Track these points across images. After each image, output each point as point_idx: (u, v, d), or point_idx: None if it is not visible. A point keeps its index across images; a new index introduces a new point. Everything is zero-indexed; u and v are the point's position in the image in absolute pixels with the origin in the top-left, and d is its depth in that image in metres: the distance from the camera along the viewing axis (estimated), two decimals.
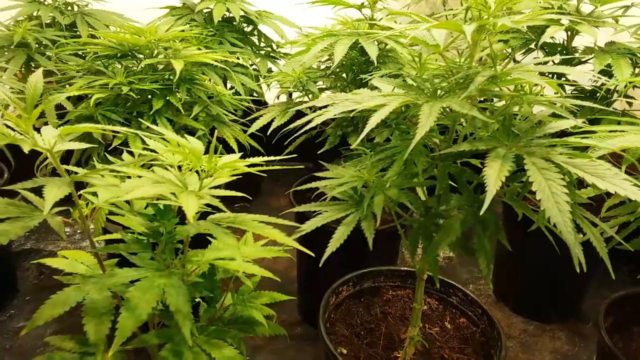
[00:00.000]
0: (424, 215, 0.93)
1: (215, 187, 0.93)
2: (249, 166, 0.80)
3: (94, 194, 0.89)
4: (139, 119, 1.40)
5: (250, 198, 1.07)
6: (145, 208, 0.99)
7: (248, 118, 1.58)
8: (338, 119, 1.39)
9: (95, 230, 1.20)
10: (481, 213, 0.70)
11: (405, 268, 1.37)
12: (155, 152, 0.81)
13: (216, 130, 1.25)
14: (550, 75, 1.76)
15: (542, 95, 1.15)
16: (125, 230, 0.98)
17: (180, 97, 1.41)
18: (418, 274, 1.10)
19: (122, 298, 0.85)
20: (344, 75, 1.48)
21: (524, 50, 1.78)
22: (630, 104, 1.68)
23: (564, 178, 0.77)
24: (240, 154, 0.91)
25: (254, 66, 2.22)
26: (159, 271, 0.85)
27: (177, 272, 0.86)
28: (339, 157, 1.40)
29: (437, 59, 1.13)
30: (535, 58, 1.87)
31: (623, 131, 1.02)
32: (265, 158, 0.91)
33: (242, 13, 2.18)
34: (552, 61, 1.78)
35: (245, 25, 2.27)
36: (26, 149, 0.75)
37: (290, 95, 1.76)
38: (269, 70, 2.16)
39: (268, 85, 1.91)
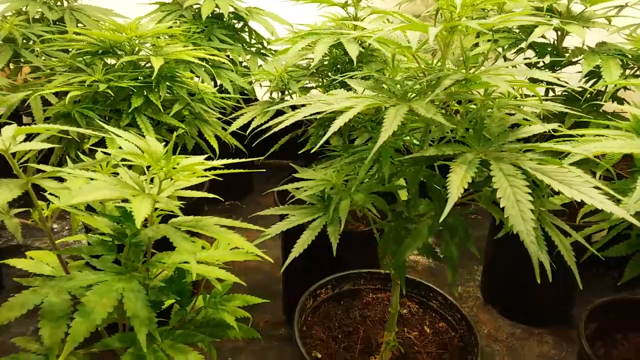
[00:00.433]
0: (395, 219, 0.91)
1: (187, 188, 0.92)
2: (210, 169, 0.78)
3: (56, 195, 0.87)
4: (117, 117, 1.38)
5: (222, 199, 1.05)
6: None
7: (231, 116, 1.56)
8: (320, 119, 1.37)
9: (73, 229, 1.18)
10: (440, 220, 0.68)
11: (386, 271, 1.36)
12: (121, 154, 0.79)
13: (183, 131, 1.23)
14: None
15: (523, 97, 1.13)
16: (93, 232, 0.97)
17: (160, 94, 1.39)
18: (393, 278, 1.08)
19: None
20: (329, 73, 1.46)
21: (515, 50, 1.75)
22: (621, 104, 1.64)
23: (531, 185, 0.75)
24: (206, 155, 0.89)
25: (245, 63, 2.20)
26: (120, 275, 0.84)
27: (138, 276, 0.84)
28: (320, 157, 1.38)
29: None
30: (525, 58, 1.85)
31: (601, 135, 0.99)
32: (235, 160, 0.89)
33: (232, 9, 2.16)
34: (543, 62, 1.75)
35: (235, 21, 2.25)
36: None
37: (282, 92, 1.74)
38: (260, 67, 2.14)
39: (260, 84, 1.89)
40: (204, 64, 1.57)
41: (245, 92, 2.16)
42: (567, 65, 1.66)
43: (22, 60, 1.99)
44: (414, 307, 1.33)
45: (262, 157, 1.83)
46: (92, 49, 1.47)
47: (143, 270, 0.87)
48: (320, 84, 1.52)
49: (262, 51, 2.26)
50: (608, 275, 2.05)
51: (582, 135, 1.01)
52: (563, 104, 1.70)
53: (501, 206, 0.71)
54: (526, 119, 0.83)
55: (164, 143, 1.46)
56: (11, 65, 2.00)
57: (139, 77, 1.48)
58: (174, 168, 0.75)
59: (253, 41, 2.30)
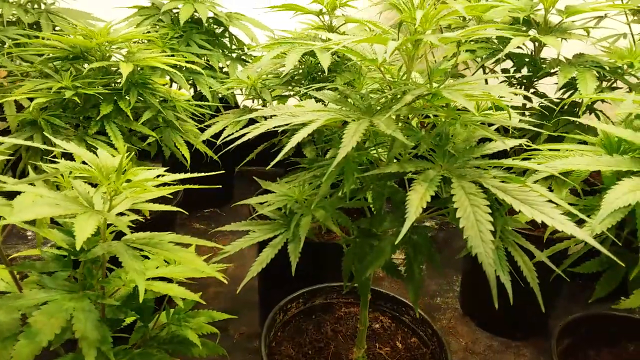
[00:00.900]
0: (360, 235, 0.89)
1: (154, 200, 0.89)
2: (160, 185, 0.75)
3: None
4: (87, 125, 1.35)
5: (187, 213, 1.02)
6: None
7: (206, 123, 1.54)
8: (291, 130, 1.34)
9: (37, 240, 1.15)
10: (397, 241, 0.66)
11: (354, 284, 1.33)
12: (68, 168, 0.76)
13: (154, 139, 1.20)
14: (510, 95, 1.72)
15: (494, 110, 1.11)
16: (49, 247, 0.94)
17: (130, 102, 1.36)
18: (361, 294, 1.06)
19: None
20: (303, 82, 1.44)
21: (494, 60, 1.74)
22: (597, 117, 1.64)
23: (493, 204, 0.73)
24: (165, 168, 0.87)
25: (225, 69, 2.17)
26: (72, 293, 0.80)
27: (92, 295, 0.81)
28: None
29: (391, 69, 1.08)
30: (503, 69, 1.84)
31: (571, 150, 0.98)
32: (193, 175, 0.87)
33: (212, 14, 2.13)
34: (520, 72, 1.74)
35: (215, 26, 2.23)
36: None
37: (264, 100, 1.72)
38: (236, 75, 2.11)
39: (242, 90, 1.87)
40: (177, 71, 1.53)
41: (226, 98, 2.14)
42: (545, 76, 1.65)
43: None
44: (386, 321, 1.30)
45: (238, 167, 1.81)
46: (63, 54, 1.44)
47: (98, 288, 0.84)
48: (294, 92, 1.49)
49: (242, 57, 2.24)
50: (589, 288, 2.04)
51: (556, 150, 1.01)
52: (539, 116, 1.70)
53: (460, 226, 0.69)
54: (506, 129, 0.81)
55: (134, 152, 1.44)
56: None
57: (111, 84, 1.45)
58: (128, 181, 0.72)
59: (234, 47, 2.27)
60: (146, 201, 0.89)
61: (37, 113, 1.31)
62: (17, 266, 0.84)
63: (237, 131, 0.90)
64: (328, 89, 0.98)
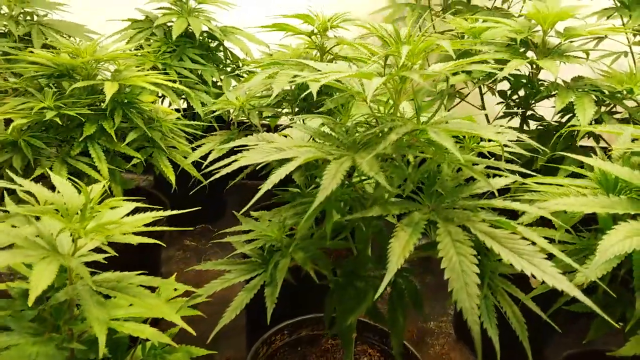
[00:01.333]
0: (344, 276, 0.85)
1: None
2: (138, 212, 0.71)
3: None
4: (69, 146, 1.31)
5: (165, 245, 0.98)
6: None
7: (194, 144, 1.50)
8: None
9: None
10: (377, 294, 0.62)
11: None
12: (25, 211, 0.72)
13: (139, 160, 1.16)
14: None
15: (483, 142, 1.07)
16: (18, 280, 0.89)
17: (114, 122, 1.33)
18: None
19: None
20: (293, 104, 1.40)
21: (491, 81, 1.70)
22: (597, 140, 1.60)
23: (482, 251, 0.69)
24: (135, 204, 0.83)
25: (220, 83, 2.14)
26: (36, 336, 0.76)
27: (58, 338, 0.77)
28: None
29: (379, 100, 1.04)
30: (500, 91, 1.80)
31: (561, 185, 0.94)
32: (172, 212, 0.83)
33: (206, 28, 2.10)
34: (518, 94, 1.71)
35: (210, 40, 2.19)
36: None
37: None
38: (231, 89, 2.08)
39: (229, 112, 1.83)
40: (168, 85, 1.49)
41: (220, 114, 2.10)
42: (542, 99, 1.61)
43: None
44: (375, 354, 1.26)
45: (228, 186, 1.77)
46: (48, 71, 1.40)
47: (65, 330, 0.80)
48: (285, 113, 1.46)
49: (237, 72, 2.21)
50: (588, 315, 1.99)
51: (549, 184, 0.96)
52: (537, 136, 1.66)
53: (445, 277, 0.65)
54: (502, 162, 0.77)
55: (117, 175, 1.40)
56: None
57: (96, 103, 1.41)
58: (98, 218, 0.68)
59: (228, 61, 2.24)
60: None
61: (17, 134, 1.27)
62: None
63: (221, 158, 0.87)
64: (315, 116, 0.94)
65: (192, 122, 1.56)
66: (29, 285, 0.58)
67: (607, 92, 1.48)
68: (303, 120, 0.90)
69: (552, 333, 1.75)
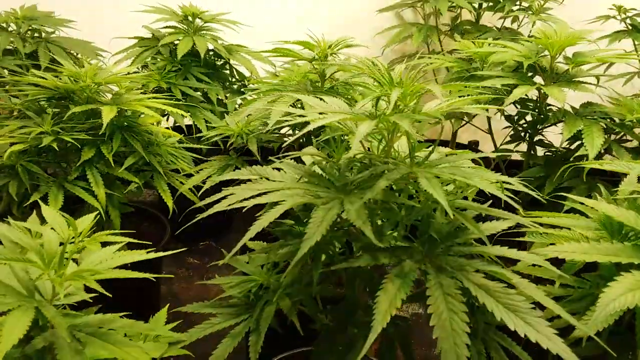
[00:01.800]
0: (333, 320, 0.82)
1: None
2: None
3: None
4: (66, 170, 1.30)
5: (154, 280, 0.96)
6: None
7: (192, 170, 1.47)
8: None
9: None
10: (361, 353, 0.59)
11: None
12: None
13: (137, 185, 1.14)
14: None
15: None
16: None
17: (112, 147, 1.31)
18: None
19: None
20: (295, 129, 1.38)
21: (499, 105, 1.67)
22: (605, 172, 1.55)
23: (472, 307, 0.66)
24: (126, 240, 0.81)
25: (226, 101, 2.13)
26: None
27: None
28: None
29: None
30: (507, 115, 1.76)
31: (556, 226, 0.90)
32: (159, 254, 0.81)
33: (211, 46, 2.09)
34: (525, 119, 1.67)
35: (215, 59, 2.19)
36: None
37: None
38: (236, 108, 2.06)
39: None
40: (169, 109, 1.48)
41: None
42: (550, 126, 1.58)
43: None
44: None
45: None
46: (48, 94, 1.40)
47: None
48: (286, 136, 1.44)
49: (242, 90, 2.20)
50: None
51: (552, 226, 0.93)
52: (544, 164, 1.62)
53: (434, 335, 0.62)
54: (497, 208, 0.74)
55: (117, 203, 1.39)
56: None
57: (96, 127, 1.40)
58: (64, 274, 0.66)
59: (234, 79, 2.23)
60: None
61: (15, 158, 1.27)
62: None
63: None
64: (307, 153, 0.92)
65: (192, 145, 1.55)
66: (2, 336, 0.56)
67: (617, 120, 1.44)
68: (293, 158, 0.88)
69: None
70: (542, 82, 1.50)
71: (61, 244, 0.74)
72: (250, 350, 0.78)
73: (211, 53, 2.16)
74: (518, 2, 2.05)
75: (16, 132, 1.28)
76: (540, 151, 1.67)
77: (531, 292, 0.67)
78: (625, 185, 0.90)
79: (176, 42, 2.10)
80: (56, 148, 1.24)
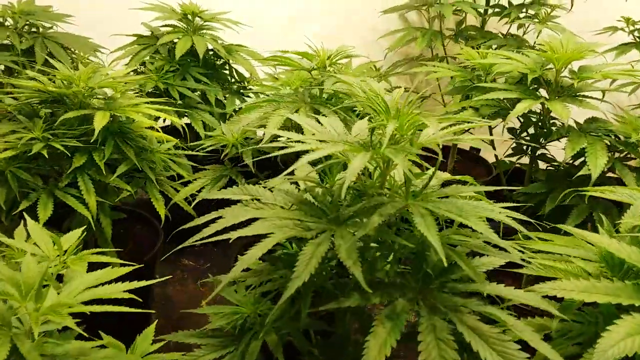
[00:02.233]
0: (323, 355, 0.80)
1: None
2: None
3: None
4: (57, 177, 1.28)
5: (141, 301, 0.93)
6: None
7: (184, 180, 1.44)
8: None
9: None
10: None
11: None
12: None
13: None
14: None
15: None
16: None
17: (105, 154, 1.29)
18: None
19: None
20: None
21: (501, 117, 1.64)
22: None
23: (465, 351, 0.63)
24: (116, 261, 0.78)
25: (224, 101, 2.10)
26: None
27: None
28: None
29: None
30: (511, 128, 1.73)
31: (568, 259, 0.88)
32: (148, 283, 0.78)
33: (211, 47, 2.06)
34: (527, 132, 1.64)
35: (215, 59, 2.15)
36: None
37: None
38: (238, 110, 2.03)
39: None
40: (164, 115, 1.45)
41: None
42: (553, 141, 1.54)
43: None
44: None
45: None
46: (41, 97, 1.37)
47: None
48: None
49: (241, 91, 2.16)
50: None
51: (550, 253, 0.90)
52: (546, 180, 1.59)
53: None
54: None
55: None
56: None
57: (88, 132, 1.37)
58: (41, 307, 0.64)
59: (234, 80, 2.20)
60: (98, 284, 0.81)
61: (4, 164, 1.24)
62: None
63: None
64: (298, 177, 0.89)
65: (188, 152, 1.51)
66: None
67: (621, 138, 1.41)
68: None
69: None
70: (546, 96, 1.46)
71: (48, 265, 0.71)
72: None
73: (211, 53, 2.12)
74: (524, 10, 2.00)
75: (6, 137, 1.25)
76: (542, 164, 1.64)
77: (527, 337, 0.65)
78: (628, 217, 0.87)
79: (175, 41, 2.07)
80: (45, 155, 1.21)
